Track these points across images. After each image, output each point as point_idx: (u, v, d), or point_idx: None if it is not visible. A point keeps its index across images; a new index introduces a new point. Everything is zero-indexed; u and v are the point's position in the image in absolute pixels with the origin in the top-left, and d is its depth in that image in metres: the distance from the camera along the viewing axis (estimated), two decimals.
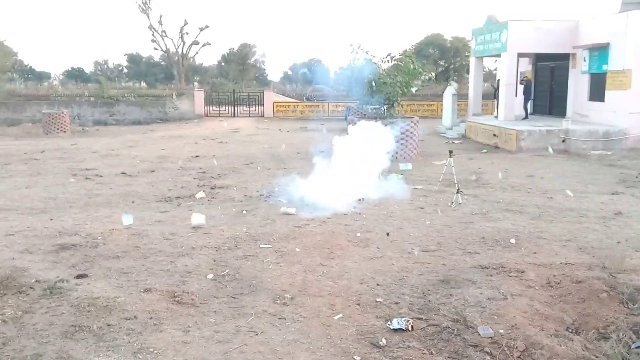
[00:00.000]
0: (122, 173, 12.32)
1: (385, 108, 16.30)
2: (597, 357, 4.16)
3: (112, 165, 13.57)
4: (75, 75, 57.28)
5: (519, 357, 4.14)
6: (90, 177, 11.80)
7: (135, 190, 10.41)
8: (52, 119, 21.62)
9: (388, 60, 16.23)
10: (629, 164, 13.50)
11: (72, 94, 32.30)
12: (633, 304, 4.95)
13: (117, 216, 8.17)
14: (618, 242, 6.99)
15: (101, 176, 11.97)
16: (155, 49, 45.32)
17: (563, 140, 16.01)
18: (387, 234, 6.24)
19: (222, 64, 57.30)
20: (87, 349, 4.16)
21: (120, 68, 62.90)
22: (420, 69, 16.46)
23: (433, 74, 23.54)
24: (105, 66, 62.52)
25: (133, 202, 9.39)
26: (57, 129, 21.47)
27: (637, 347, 4.28)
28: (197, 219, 7.70)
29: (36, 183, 11.14)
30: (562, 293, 5.25)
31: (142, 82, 59.61)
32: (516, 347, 4.22)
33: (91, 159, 14.56)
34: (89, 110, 26.66)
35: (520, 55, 19.27)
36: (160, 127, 24.08)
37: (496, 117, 19.83)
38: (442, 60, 49.71)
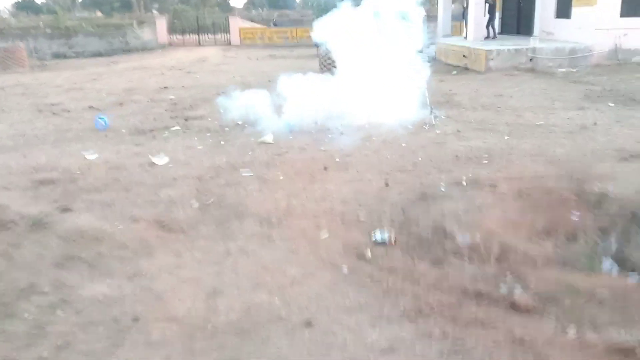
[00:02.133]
0: (90, 107, 12.07)
1: None
2: (567, 256, 4.49)
3: (78, 99, 13.26)
4: (25, 6, 54.75)
5: (495, 259, 4.43)
6: (57, 113, 11.55)
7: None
8: (9, 53, 20.79)
9: None
10: (594, 80, 13.78)
11: (27, 26, 30.96)
12: (599, 209, 5.27)
13: (92, 150, 8.13)
14: (584, 154, 7.29)
15: (68, 111, 11.72)
16: None
17: (530, 59, 16.17)
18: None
19: None
20: (81, 276, 4.28)
21: None
22: None
23: None
24: None
25: (106, 135, 9.29)
26: (15, 64, 20.71)
27: (603, 246, 4.62)
28: (160, 159, 7.63)
29: (1, 120, 10.91)
30: (533, 202, 5.54)
31: (97, 11, 57.30)
32: (493, 251, 4.51)
33: (55, 94, 14.19)
34: (46, 43, 25.65)
35: None
36: (123, 59, 23.42)
37: (465, 37, 19.82)
38: None
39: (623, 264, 4.40)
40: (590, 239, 4.71)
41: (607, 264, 4.41)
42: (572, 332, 3.46)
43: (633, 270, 4.29)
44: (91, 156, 7.82)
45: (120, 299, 3.93)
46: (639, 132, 8.50)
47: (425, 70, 10.21)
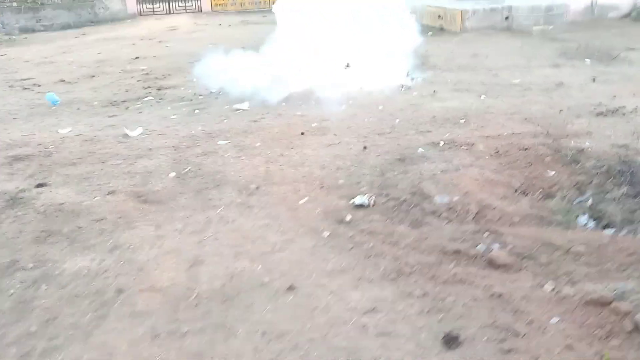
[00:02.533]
0: (61, 80, 11.78)
1: None
2: (543, 213, 4.58)
3: (49, 73, 12.93)
4: None
5: (473, 218, 4.50)
6: (28, 87, 11.25)
7: (79, 97, 10.04)
8: None
9: None
10: (569, 37, 13.80)
11: None
12: (575, 165, 5.35)
13: (65, 124, 7.99)
14: (560, 111, 7.34)
15: (39, 85, 11.40)
16: None
17: (506, 18, 16.12)
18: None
19: None
20: (62, 250, 4.25)
21: None
22: None
23: None
24: None
25: (78, 109, 9.10)
26: None
27: (579, 202, 4.70)
28: (134, 131, 7.51)
29: None
30: (510, 160, 5.61)
31: None
32: (470, 210, 4.57)
33: (25, 69, 13.83)
34: (13, 17, 24.84)
35: None
36: (92, 30, 22.81)
37: None
38: None
39: (599, 218, 4.50)
40: (567, 195, 4.80)
41: (583, 219, 4.50)
42: (549, 286, 3.55)
43: (608, 225, 4.40)
44: (64, 130, 7.68)
45: (103, 272, 3.92)
46: (614, 87, 8.58)
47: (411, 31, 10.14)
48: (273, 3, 27.92)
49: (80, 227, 4.61)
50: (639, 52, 11.42)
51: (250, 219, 4.69)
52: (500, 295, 3.47)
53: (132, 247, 4.27)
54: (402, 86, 9.26)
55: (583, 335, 3.11)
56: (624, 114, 7.00)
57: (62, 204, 5.08)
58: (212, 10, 28.95)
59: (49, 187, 5.59)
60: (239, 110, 8.37)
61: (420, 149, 6.14)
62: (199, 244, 4.29)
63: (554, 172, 5.25)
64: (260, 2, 29.65)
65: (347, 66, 9.32)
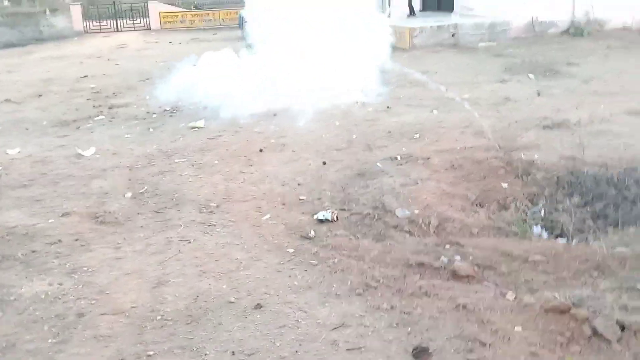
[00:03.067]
0: (7, 100, 11.37)
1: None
2: (500, 224, 4.71)
3: None
4: None
5: (434, 231, 4.59)
6: None
7: (26, 116, 9.74)
8: None
9: None
10: (513, 53, 14.31)
11: None
12: (527, 176, 5.54)
13: (13, 144, 7.74)
14: (509, 124, 7.59)
15: None
16: None
17: (453, 35, 16.56)
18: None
19: None
20: (17, 275, 4.10)
21: None
22: None
23: None
24: None
25: (27, 129, 8.82)
26: None
27: (533, 213, 4.87)
28: (86, 150, 7.36)
29: None
30: (465, 173, 5.77)
31: (4, 0, 54.18)
32: (431, 223, 4.67)
33: None
34: None
35: None
36: (37, 48, 22.21)
37: (389, 16, 20.02)
38: None
39: (552, 228, 4.66)
40: (521, 207, 4.95)
41: (537, 229, 4.66)
42: (510, 296, 3.64)
43: (561, 235, 4.56)
44: (13, 151, 7.43)
45: (62, 296, 3.80)
46: (558, 101, 8.92)
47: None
48: (224, 20, 27.82)
49: (35, 251, 4.46)
50: (578, 67, 11.94)
51: (213, 238, 4.65)
52: (465, 306, 3.53)
53: (91, 269, 4.15)
54: (357, 102, 9.36)
55: (546, 342, 3.20)
56: (568, 127, 7.28)
57: (14, 227, 4.91)
58: (161, 28, 28.65)
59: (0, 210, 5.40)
60: (195, 128, 8.29)
61: (379, 164, 6.23)
62: (160, 264, 4.21)
63: (507, 184, 5.42)
64: (210, 20, 29.56)
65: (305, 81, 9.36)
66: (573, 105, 8.47)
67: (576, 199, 4.88)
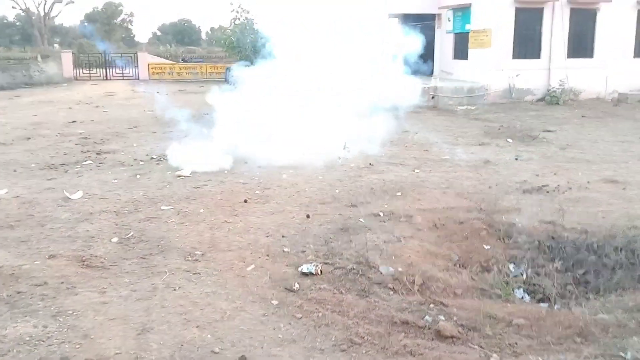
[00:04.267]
0: None
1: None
2: (483, 285, 4.80)
3: None
4: None
5: (418, 290, 4.65)
6: None
7: (14, 158, 9.79)
8: None
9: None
10: (492, 117, 14.81)
11: None
12: (508, 239, 5.68)
13: (1, 185, 7.75)
14: (490, 187, 7.81)
15: None
16: (14, 7, 41.82)
17: (432, 97, 17.07)
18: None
19: (86, 23, 54.04)
20: (1, 316, 4.08)
21: None
22: None
23: None
24: None
25: (15, 170, 8.86)
26: None
27: (514, 276, 4.97)
28: (74, 194, 7.40)
29: None
30: (448, 233, 5.90)
31: None
32: (415, 282, 4.74)
33: None
34: None
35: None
36: (27, 93, 22.39)
37: None
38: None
39: (533, 292, 4.75)
40: (503, 269, 5.06)
41: (520, 292, 4.75)
42: (495, 359, 3.67)
43: (542, 299, 4.64)
44: (0, 191, 7.44)
45: (47, 339, 3.77)
46: (536, 166, 9.22)
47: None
48: (210, 74, 28.29)
49: (20, 292, 4.44)
50: (555, 134, 12.39)
51: (198, 286, 4.66)
52: None
53: (75, 313, 4.13)
54: (340, 157, 9.48)
55: None
56: (547, 192, 7.52)
57: (1, 267, 4.89)
58: (149, 79, 29.07)
59: None
60: (181, 176, 8.38)
61: (362, 220, 6.31)
62: (145, 311, 4.21)
63: (489, 246, 5.55)
64: (197, 73, 30.12)
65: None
66: (551, 171, 8.76)
67: (557, 264, 4.93)
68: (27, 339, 3.78)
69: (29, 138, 11.98)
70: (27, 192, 7.51)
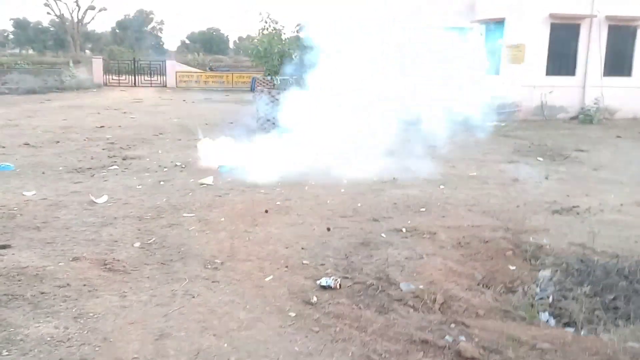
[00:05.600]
0: (26, 144, 11.75)
1: (293, 79, 16.44)
2: (506, 307, 4.68)
3: (13, 135, 12.88)
4: None
5: (439, 308, 4.56)
6: None
7: (43, 161, 10.01)
8: None
9: (298, 31, 16.42)
10: (522, 135, 14.55)
11: None
12: (535, 261, 5.53)
13: (29, 187, 7.91)
14: (517, 206, 7.63)
15: (4, 147, 11.39)
16: (49, 13, 42.83)
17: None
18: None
19: (117, 30, 55.04)
20: (24, 316, 4.12)
21: (5, 34, 58.61)
22: None
23: None
24: None
25: (43, 173, 9.04)
26: None
27: (540, 299, 4.83)
28: (99, 198, 7.50)
29: None
30: (472, 252, 5.77)
31: (29, 49, 55.98)
32: (436, 300, 4.64)
33: None
34: None
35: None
36: (57, 97, 22.89)
37: None
38: None
39: (559, 316, 4.60)
40: (528, 291, 4.92)
41: (545, 315, 4.61)
42: None
43: (568, 323, 4.49)
44: (29, 193, 7.61)
45: (67, 340, 3.80)
46: (567, 186, 8.98)
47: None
48: (236, 83, 28.69)
49: (43, 293, 4.49)
50: (587, 154, 12.09)
51: (216, 294, 4.65)
52: None
53: (96, 316, 4.16)
54: (363, 170, 9.38)
55: None
56: (578, 213, 7.32)
57: (26, 267, 4.96)
58: (176, 87, 29.49)
59: (12, 250, 5.47)
60: (203, 184, 8.43)
61: (383, 235, 6.26)
62: (164, 317, 4.22)
63: (515, 267, 5.42)
64: (224, 82, 30.44)
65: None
66: (582, 192, 8.52)
67: (586, 288, 4.73)
68: (48, 339, 3.81)
69: (57, 141, 12.23)
70: (54, 195, 7.64)
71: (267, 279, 5.01)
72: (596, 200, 8.01)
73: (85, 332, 3.93)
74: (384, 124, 9.97)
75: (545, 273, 5.21)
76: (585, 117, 17.29)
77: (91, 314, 4.18)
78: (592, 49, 17.73)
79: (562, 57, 17.75)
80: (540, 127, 16.08)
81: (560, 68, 17.80)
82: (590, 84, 17.76)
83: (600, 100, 17.36)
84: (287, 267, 5.32)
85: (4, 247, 5.51)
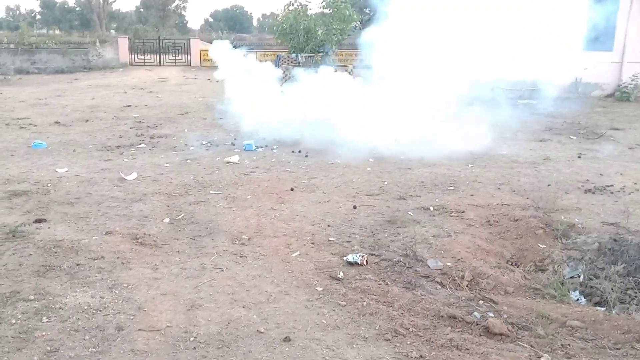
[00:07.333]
0: (56, 122, 11.97)
1: (320, 56, 16.33)
2: (536, 285, 4.65)
3: (44, 114, 13.12)
4: None
5: (467, 285, 4.55)
6: (24, 127, 11.45)
7: (74, 139, 10.20)
8: None
9: (323, 7, 16.21)
10: (555, 113, 14.12)
11: None
12: (566, 239, 5.46)
13: (62, 164, 8.08)
14: (549, 185, 7.51)
15: (35, 125, 11.62)
16: None
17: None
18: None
19: (141, 10, 55.14)
20: (62, 285, 4.26)
21: (33, 14, 59.23)
22: (355, 16, 16.49)
23: (358, 22, 23.53)
24: (17, 12, 58.76)
25: (74, 150, 9.23)
26: None
27: (571, 277, 4.79)
28: (129, 175, 7.63)
29: None
30: (501, 230, 5.71)
31: (56, 29, 56.52)
32: (464, 277, 4.64)
33: (21, 108, 14.02)
34: (9, 58, 25.18)
35: None
36: (85, 76, 23.18)
37: None
38: (367, 8, 49.31)
39: (590, 295, 4.55)
40: (559, 269, 4.87)
41: (576, 294, 4.57)
42: (546, 359, 3.53)
43: (599, 303, 4.44)
44: (61, 170, 7.79)
45: (103, 309, 3.92)
46: (600, 165, 8.79)
47: None
48: (260, 62, 28.60)
49: (79, 264, 4.62)
50: (623, 132, 11.77)
51: (244, 269, 4.72)
52: None
53: (130, 286, 4.27)
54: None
55: None
56: (612, 192, 7.19)
57: (61, 240, 5.09)
58: (201, 66, 29.52)
59: (48, 224, 5.62)
60: (229, 162, 8.50)
61: (410, 213, 6.24)
62: (195, 288, 4.30)
63: (545, 245, 5.36)
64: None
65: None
66: (617, 171, 8.34)
67: (619, 267, 4.61)
68: (85, 307, 3.94)
69: (87, 120, 12.42)
70: (86, 172, 7.79)
71: (293, 255, 5.06)
72: (631, 179, 7.85)
73: (120, 301, 4.04)
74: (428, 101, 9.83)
75: (576, 252, 5.15)
76: (622, 95, 16.72)
77: (125, 285, 4.29)
78: (632, 23, 17.00)
79: (599, 32, 17.09)
80: (573, 104, 15.56)
81: (597, 44, 17.17)
82: (629, 59, 17.06)
83: (639, 77, 16.83)
84: (313, 243, 5.36)
85: (40, 220, 5.66)
